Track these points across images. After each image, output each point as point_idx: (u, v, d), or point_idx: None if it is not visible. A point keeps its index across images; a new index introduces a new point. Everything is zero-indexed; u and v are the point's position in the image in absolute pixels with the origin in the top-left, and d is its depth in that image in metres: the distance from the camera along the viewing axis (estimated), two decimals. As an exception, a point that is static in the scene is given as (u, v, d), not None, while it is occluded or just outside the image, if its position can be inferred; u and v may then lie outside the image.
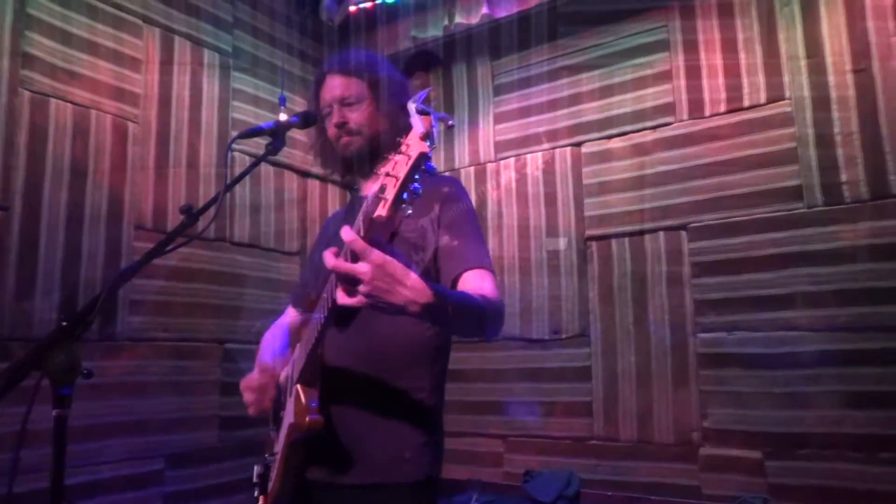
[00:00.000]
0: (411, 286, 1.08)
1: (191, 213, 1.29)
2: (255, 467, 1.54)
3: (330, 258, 1.08)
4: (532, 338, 3.27)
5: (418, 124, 1.01)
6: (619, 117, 3.16)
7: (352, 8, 3.64)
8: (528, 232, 3.36)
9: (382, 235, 1.09)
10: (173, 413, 2.83)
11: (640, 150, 3.09)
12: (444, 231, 1.44)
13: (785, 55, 2.79)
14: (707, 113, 2.94)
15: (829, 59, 2.69)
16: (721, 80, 2.93)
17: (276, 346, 1.64)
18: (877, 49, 2.59)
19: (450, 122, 1.09)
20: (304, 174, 3.60)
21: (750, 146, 2.82)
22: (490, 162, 3.55)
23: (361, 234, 1.06)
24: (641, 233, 3.04)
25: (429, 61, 3.54)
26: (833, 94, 2.67)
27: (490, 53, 3.60)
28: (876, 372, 2.46)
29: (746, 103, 2.85)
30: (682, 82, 3.02)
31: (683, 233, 2.94)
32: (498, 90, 3.57)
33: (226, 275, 3.12)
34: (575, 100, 3.30)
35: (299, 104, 3.53)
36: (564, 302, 3.20)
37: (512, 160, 3.46)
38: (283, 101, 3.43)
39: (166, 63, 3.00)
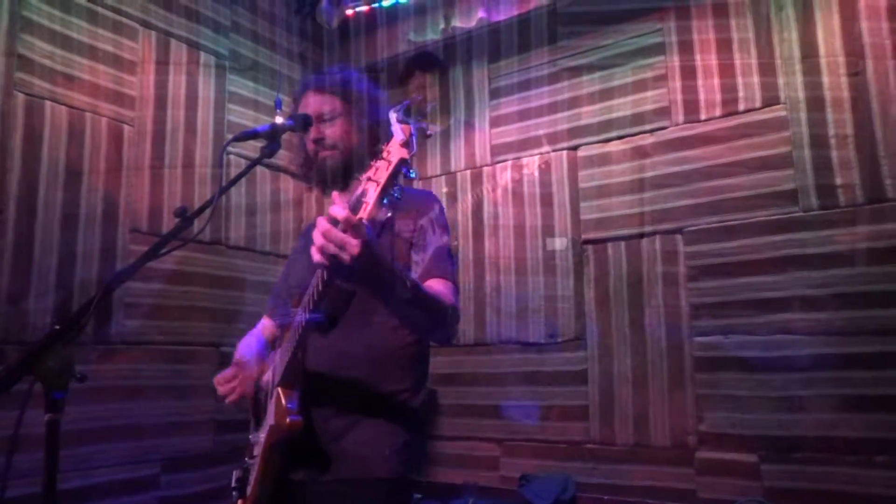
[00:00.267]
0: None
1: (185, 216, 1.29)
2: (234, 472, 1.57)
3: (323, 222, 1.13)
4: (528, 341, 3.26)
5: (398, 132, 1.10)
6: (616, 121, 3.17)
7: (348, 11, 3.65)
8: (524, 236, 3.36)
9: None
10: (169, 417, 2.82)
11: (636, 153, 3.10)
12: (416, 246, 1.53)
13: (780, 59, 2.80)
14: (703, 117, 2.95)
15: (823, 62, 2.70)
16: (716, 83, 2.93)
17: (253, 347, 1.68)
18: (871, 50, 2.59)
19: (428, 132, 1.18)
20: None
21: (745, 150, 2.83)
22: (486, 165, 3.55)
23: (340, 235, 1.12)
24: (638, 236, 3.05)
25: (428, 63, 3.55)
26: (828, 97, 2.68)
27: (486, 57, 3.60)
28: (872, 375, 2.46)
29: (742, 107, 2.86)
30: (678, 86, 3.02)
31: (679, 236, 2.94)
32: (494, 94, 3.57)
33: (221, 278, 3.12)
34: (571, 104, 3.31)
35: (296, 107, 3.52)
36: (561, 305, 3.20)
37: (508, 164, 3.46)
38: (279, 104, 3.42)
39: (162, 65, 3.00)
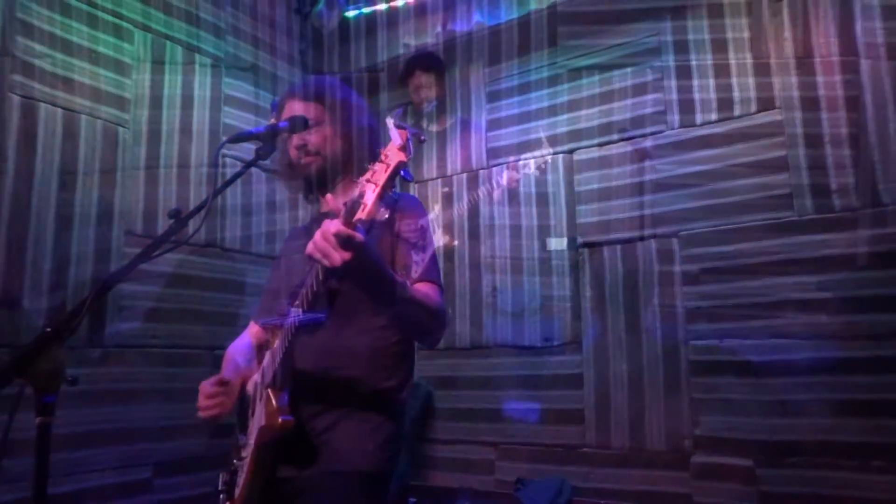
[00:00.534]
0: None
1: (179, 218, 1.29)
2: (221, 475, 1.58)
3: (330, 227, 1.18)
4: (524, 345, 3.26)
5: (396, 137, 1.14)
6: (612, 125, 3.17)
7: (343, 14, 3.65)
8: (520, 239, 3.36)
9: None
10: (162, 421, 2.80)
11: (632, 157, 3.10)
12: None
13: (775, 63, 2.81)
14: (698, 121, 2.95)
15: (818, 67, 2.71)
16: (712, 88, 2.94)
17: (239, 361, 1.69)
18: (865, 50, 2.60)
19: (422, 138, 1.22)
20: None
21: (740, 155, 2.83)
22: (482, 169, 3.55)
23: (336, 230, 1.17)
24: (633, 240, 3.05)
25: (428, 62, 3.54)
26: (823, 102, 2.68)
27: (484, 60, 3.61)
28: (867, 380, 2.46)
29: (737, 112, 2.87)
30: (674, 90, 3.03)
31: (675, 240, 2.94)
32: (491, 97, 3.58)
33: (217, 281, 3.11)
34: (567, 107, 3.31)
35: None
36: (557, 309, 3.20)
37: (504, 167, 3.46)
38: (274, 106, 3.42)
39: (157, 68, 2.99)
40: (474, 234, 3.49)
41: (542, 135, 3.25)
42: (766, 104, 2.81)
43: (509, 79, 3.52)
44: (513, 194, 3.40)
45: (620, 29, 3.19)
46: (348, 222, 1.15)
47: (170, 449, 2.82)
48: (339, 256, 1.16)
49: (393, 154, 1.14)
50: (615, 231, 3.10)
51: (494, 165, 3.50)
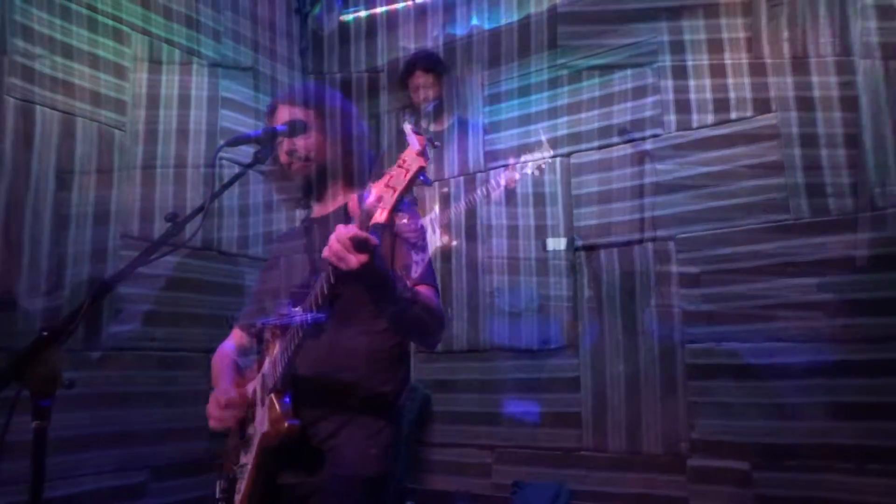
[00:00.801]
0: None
1: (176, 222, 1.29)
2: (218, 482, 1.57)
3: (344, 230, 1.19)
4: (521, 348, 3.26)
5: (415, 142, 1.16)
6: (609, 129, 3.18)
7: (341, 17, 3.66)
8: (517, 242, 3.36)
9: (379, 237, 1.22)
10: (158, 424, 2.79)
11: (629, 161, 3.11)
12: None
13: (771, 67, 2.82)
14: (695, 125, 2.96)
15: (814, 70, 2.72)
16: (708, 92, 2.95)
17: (231, 371, 1.70)
18: (861, 50, 2.61)
19: (436, 143, 1.25)
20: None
21: (737, 158, 2.84)
22: (479, 171, 3.55)
23: (353, 233, 1.19)
24: (630, 243, 3.05)
25: (429, 62, 3.54)
26: (818, 105, 2.69)
27: (483, 63, 3.61)
28: (863, 383, 2.47)
29: (734, 115, 2.88)
30: (671, 93, 3.04)
31: (672, 244, 2.95)
32: (489, 100, 3.58)
33: (213, 284, 3.10)
34: (564, 111, 3.32)
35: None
36: (554, 312, 3.20)
37: (501, 170, 3.46)
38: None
39: (154, 71, 2.99)
40: (472, 235, 3.49)
41: (543, 137, 3.26)
42: (763, 107, 2.82)
43: (509, 81, 3.53)
44: (511, 195, 3.40)
45: (620, 31, 3.20)
46: (365, 226, 1.17)
47: (166, 452, 2.81)
48: (355, 260, 1.18)
49: (412, 159, 1.16)
50: (613, 234, 3.10)
51: (492, 168, 3.51)
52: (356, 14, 3.66)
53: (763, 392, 2.65)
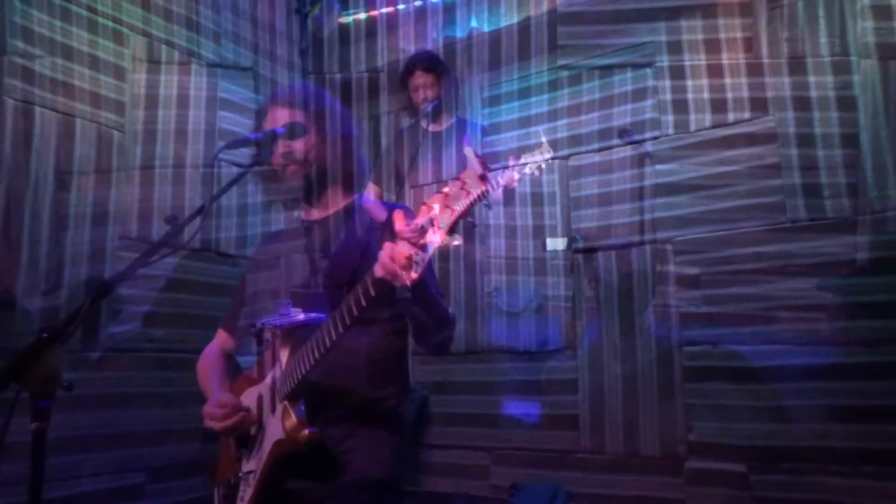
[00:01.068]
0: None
1: (176, 224, 1.29)
2: (216, 490, 1.55)
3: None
4: (519, 350, 3.26)
5: (477, 165, 1.19)
6: (606, 131, 3.19)
7: (340, 19, 3.67)
8: (514, 244, 3.36)
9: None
10: (156, 425, 2.79)
11: (627, 164, 3.11)
12: None
13: (768, 70, 2.83)
14: (692, 128, 2.97)
15: (811, 72, 2.73)
16: (706, 95, 2.96)
17: (216, 378, 1.71)
18: (860, 50, 2.62)
19: (489, 165, 1.26)
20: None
21: (734, 161, 2.85)
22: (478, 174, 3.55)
23: (415, 252, 1.19)
24: (628, 246, 3.06)
25: (430, 62, 3.54)
26: (815, 107, 2.70)
27: (482, 65, 3.62)
28: (860, 386, 2.47)
29: (731, 119, 2.88)
30: (668, 96, 3.05)
31: (669, 246, 2.95)
32: (488, 102, 3.59)
33: (211, 285, 3.10)
34: (562, 113, 3.32)
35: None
36: (551, 314, 3.21)
37: (499, 172, 3.46)
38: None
39: (153, 71, 2.99)
40: (469, 235, 3.49)
41: (544, 138, 3.25)
42: (763, 107, 2.82)
43: (508, 83, 3.53)
44: (510, 195, 3.40)
45: (620, 32, 3.20)
46: (418, 244, 1.16)
47: (163, 454, 2.81)
48: (407, 277, 1.18)
49: (473, 181, 1.17)
50: (611, 236, 3.11)
51: (490, 171, 3.50)
52: (355, 16, 3.66)
53: (760, 394, 2.65)
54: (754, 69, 2.86)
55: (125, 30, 2.89)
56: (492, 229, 3.44)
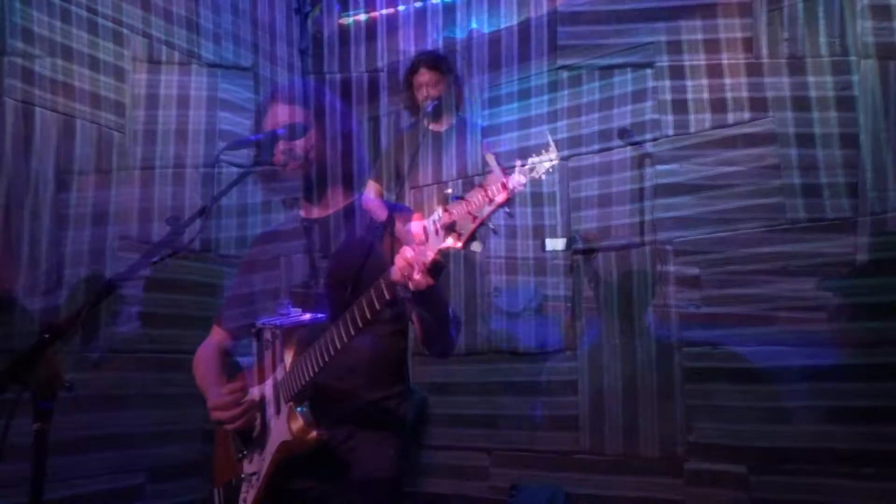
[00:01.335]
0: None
1: (177, 225, 1.29)
2: (216, 492, 1.55)
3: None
4: (519, 351, 3.26)
5: (499, 173, 1.19)
6: (607, 132, 3.19)
7: (340, 20, 3.67)
8: (514, 245, 3.36)
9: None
10: (156, 426, 2.79)
11: (627, 164, 3.12)
12: None
13: (768, 71, 2.83)
14: (692, 129, 2.97)
15: (810, 72, 2.73)
16: (706, 95, 2.96)
17: (215, 375, 1.71)
18: (859, 51, 2.62)
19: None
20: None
21: (734, 162, 2.85)
22: (477, 175, 3.55)
23: (434, 258, 1.21)
24: (628, 246, 3.06)
25: (435, 60, 3.54)
26: (815, 107, 2.71)
27: (482, 66, 3.62)
28: (860, 387, 2.47)
29: (731, 119, 2.89)
30: (668, 96, 3.05)
31: (669, 247, 2.96)
32: (488, 103, 3.59)
33: (211, 286, 3.09)
34: (562, 114, 3.32)
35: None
36: (551, 315, 3.21)
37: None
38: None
39: (153, 72, 2.99)
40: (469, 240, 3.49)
41: (549, 138, 3.25)
42: (760, 109, 2.83)
43: (508, 84, 3.53)
44: (509, 201, 3.39)
45: (620, 32, 3.21)
46: (436, 249, 1.18)
47: (163, 455, 2.80)
48: (425, 282, 1.20)
49: (496, 189, 1.17)
50: (611, 236, 3.11)
51: (489, 171, 3.50)
52: (355, 17, 3.66)
53: (760, 396, 2.65)
54: (754, 69, 2.87)
55: (125, 30, 2.88)
56: (491, 233, 3.44)
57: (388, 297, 1.26)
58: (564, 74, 3.35)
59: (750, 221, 2.78)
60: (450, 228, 1.15)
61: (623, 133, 3.13)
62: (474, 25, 3.49)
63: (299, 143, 1.59)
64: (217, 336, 1.81)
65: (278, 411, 1.46)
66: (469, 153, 3.60)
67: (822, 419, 2.53)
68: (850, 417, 2.47)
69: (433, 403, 3.43)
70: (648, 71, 3.11)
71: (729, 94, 2.91)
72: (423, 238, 1.17)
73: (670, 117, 3.03)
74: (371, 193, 3.46)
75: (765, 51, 2.85)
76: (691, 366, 2.83)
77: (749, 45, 2.89)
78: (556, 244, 3.25)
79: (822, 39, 2.72)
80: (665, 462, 2.82)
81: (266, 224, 3.43)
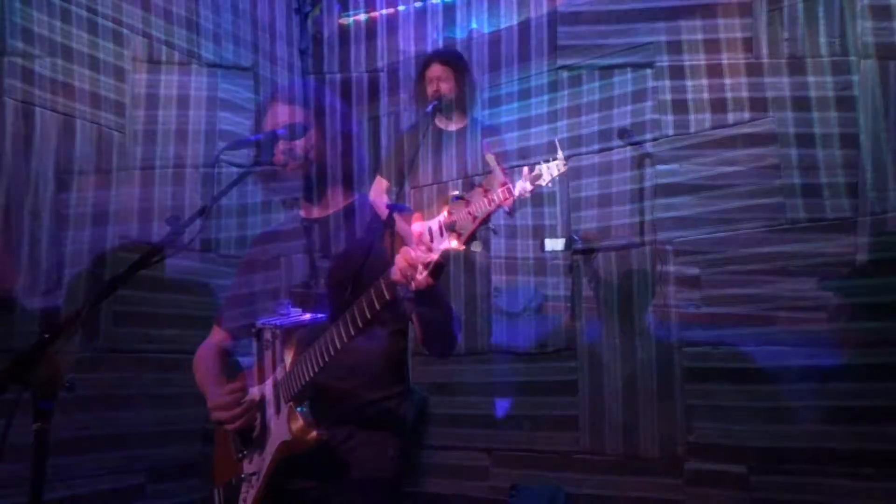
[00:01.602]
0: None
1: (177, 225, 1.29)
2: (216, 492, 1.55)
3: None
4: (519, 351, 3.26)
5: (499, 174, 1.20)
6: (606, 133, 3.19)
7: (340, 20, 3.67)
8: (514, 245, 3.36)
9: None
10: (156, 426, 2.79)
11: (627, 164, 3.12)
12: None
13: (768, 71, 2.83)
14: (692, 129, 2.97)
15: (810, 72, 2.73)
16: (706, 95, 2.96)
17: (216, 374, 1.71)
18: (859, 51, 2.63)
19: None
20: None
21: (734, 162, 2.85)
22: (477, 175, 3.55)
23: (435, 258, 1.21)
24: (628, 247, 3.06)
25: (447, 56, 3.53)
26: (815, 107, 2.71)
27: (482, 66, 3.62)
28: (859, 387, 2.47)
29: (731, 119, 2.89)
30: (668, 96, 3.05)
31: (669, 247, 2.96)
32: (487, 103, 3.59)
33: (211, 286, 3.10)
34: (562, 114, 3.33)
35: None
36: (551, 315, 3.21)
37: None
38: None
39: (153, 72, 2.99)
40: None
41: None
42: (760, 109, 2.83)
43: (508, 84, 3.53)
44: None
45: (620, 32, 3.21)
46: (437, 250, 1.17)
47: (163, 455, 2.81)
48: (426, 282, 1.20)
49: (496, 190, 1.17)
50: (611, 236, 3.11)
51: (489, 172, 3.50)
52: (355, 17, 3.66)
53: (760, 396, 2.65)
54: (754, 69, 2.87)
55: (125, 30, 2.88)
56: (491, 233, 3.44)
57: (388, 297, 1.26)
58: (564, 74, 3.35)
59: (750, 221, 2.78)
60: (450, 228, 1.15)
61: (623, 133, 3.13)
62: (474, 25, 3.50)
63: (299, 143, 1.59)
64: (217, 336, 1.81)
65: (278, 411, 1.47)
66: (468, 154, 3.59)
67: (822, 419, 2.53)
68: (850, 417, 2.47)
69: (433, 403, 3.43)
70: (648, 71, 3.12)
71: (729, 94, 2.91)
72: (428, 238, 1.17)
73: (670, 117, 3.03)
74: (379, 188, 3.46)
75: (765, 51, 2.85)
76: (691, 366, 2.83)
77: (749, 45, 2.89)
78: (555, 244, 3.25)
79: (822, 39, 2.72)
80: (665, 462, 2.82)
81: (266, 224, 3.43)
